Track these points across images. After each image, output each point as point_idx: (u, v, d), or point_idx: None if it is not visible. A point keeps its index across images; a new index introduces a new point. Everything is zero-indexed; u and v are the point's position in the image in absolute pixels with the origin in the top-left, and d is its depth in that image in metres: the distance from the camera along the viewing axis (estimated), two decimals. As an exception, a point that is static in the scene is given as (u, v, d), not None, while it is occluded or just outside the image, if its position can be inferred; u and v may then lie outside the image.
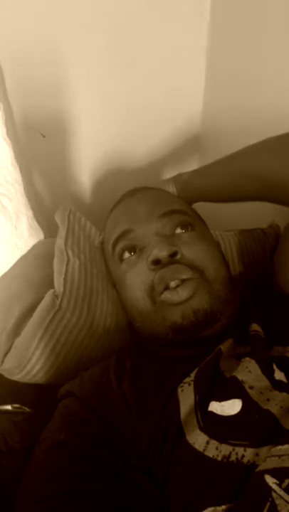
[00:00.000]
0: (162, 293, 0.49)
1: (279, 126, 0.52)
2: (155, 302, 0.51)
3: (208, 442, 0.35)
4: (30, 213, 0.64)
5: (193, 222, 0.56)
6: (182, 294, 0.48)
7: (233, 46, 0.80)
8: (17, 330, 0.54)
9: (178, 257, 0.51)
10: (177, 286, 0.49)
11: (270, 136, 0.53)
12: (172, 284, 0.49)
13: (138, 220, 0.55)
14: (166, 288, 0.49)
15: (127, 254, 0.55)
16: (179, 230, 0.54)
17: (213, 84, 0.89)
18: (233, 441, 0.35)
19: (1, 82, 0.55)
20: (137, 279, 0.53)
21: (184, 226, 0.55)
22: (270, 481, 0.30)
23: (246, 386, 0.39)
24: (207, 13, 0.83)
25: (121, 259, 0.56)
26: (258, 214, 0.80)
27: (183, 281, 0.49)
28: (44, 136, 0.82)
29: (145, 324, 0.53)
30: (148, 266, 0.51)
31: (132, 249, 0.55)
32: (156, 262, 0.50)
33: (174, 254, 0.50)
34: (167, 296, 0.49)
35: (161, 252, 0.50)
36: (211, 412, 0.37)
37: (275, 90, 0.71)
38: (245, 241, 0.71)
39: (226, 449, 0.34)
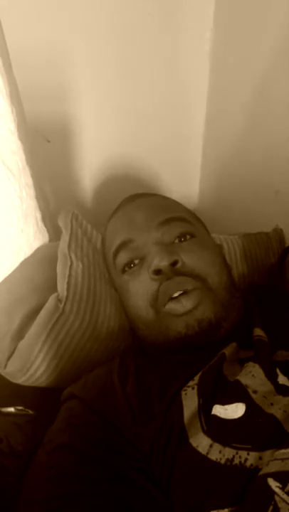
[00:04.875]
0: (166, 304, 0.49)
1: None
2: (158, 312, 0.51)
3: (211, 445, 0.35)
4: (39, 215, 0.64)
5: (193, 229, 0.56)
6: (186, 304, 0.48)
7: (236, 49, 0.80)
8: (20, 333, 0.54)
9: (178, 265, 0.51)
10: (180, 294, 0.48)
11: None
12: (176, 294, 0.49)
13: (137, 228, 0.55)
14: (170, 298, 0.49)
15: (128, 267, 0.55)
16: (178, 239, 0.54)
17: (216, 89, 0.89)
18: (236, 445, 0.35)
19: (15, 87, 0.56)
20: (139, 288, 0.53)
21: (183, 234, 0.55)
22: (273, 484, 0.30)
23: (250, 390, 0.39)
24: (210, 19, 0.84)
25: (123, 271, 0.56)
26: (261, 218, 0.80)
27: (187, 291, 0.49)
28: (49, 141, 0.83)
29: (149, 332, 0.53)
30: (150, 275, 0.51)
31: (132, 262, 0.55)
32: (158, 272, 0.51)
33: (174, 263, 0.50)
34: (171, 306, 0.49)
35: (162, 262, 0.50)
36: (215, 416, 0.37)
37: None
38: (248, 244, 0.71)
39: (229, 452, 0.34)
